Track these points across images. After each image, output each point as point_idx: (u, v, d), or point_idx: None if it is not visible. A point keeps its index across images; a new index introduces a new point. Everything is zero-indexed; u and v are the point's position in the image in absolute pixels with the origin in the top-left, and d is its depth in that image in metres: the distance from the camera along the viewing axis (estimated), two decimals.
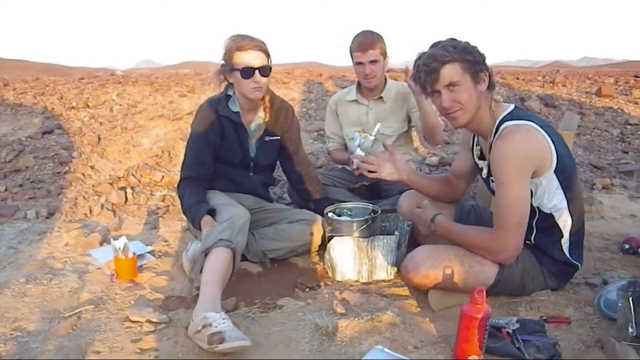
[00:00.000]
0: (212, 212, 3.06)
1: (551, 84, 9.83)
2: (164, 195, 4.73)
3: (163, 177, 5.11)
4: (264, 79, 3.16)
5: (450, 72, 2.49)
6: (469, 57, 2.48)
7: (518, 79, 10.41)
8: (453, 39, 2.56)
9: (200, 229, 3.02)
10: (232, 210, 3.02)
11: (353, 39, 3.81)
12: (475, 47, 2.53)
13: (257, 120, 3.41)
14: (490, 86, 2.58)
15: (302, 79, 9.07)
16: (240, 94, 3.26)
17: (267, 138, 3.44)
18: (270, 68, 3.21)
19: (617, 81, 10.79)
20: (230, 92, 3.33)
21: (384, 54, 3.82)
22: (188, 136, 3.39)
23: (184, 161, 3.37)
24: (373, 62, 3.78)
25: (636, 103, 8.73)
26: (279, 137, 3.49)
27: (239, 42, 3.12)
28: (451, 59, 2.48)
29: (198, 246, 2.98)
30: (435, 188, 3.12)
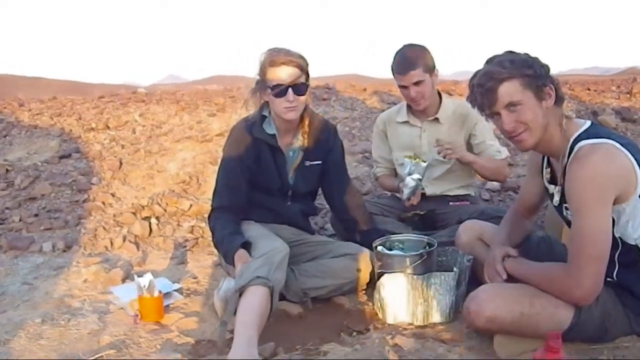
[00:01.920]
0: (247, 246, 3.07)
1: (628, 95, 9.57)
2: (193, 226, 4.77)
3: (191, 205, 5.16)
4: (299, 98, 3.19)
5: (508, 90, 2.45)
6: (528, 71, 2.44)
7: (589, 90, 10.18)
8: (510, 52, 2.54)
9: (233, 265, 3.04)
10: (269, 244, 3.03)
11: (393, 58, 3.81)
12: (536, 59, 2.50)
13: (295, 143, 3.44)
14: (559, 100, 2.53)
15: (344, 95, 9.09)
16: (276, 115, 3.30)
17: (307, 163, 3.47)
18: (307, 86, 3.24)
19: None
20: (265, 112, 3.37)
21: (430, 70, 3.77)
22: (219, 161, 3.42)
23: (215, 189, 3.41)
24: (417, 83, 3.74)
25: None
26: (320, 162, 3.51)
27: (272, 56, 3.17)
28: (509, 75, 2.44)
29: (231, 284, 2.98)
30: (521, 234, 3.04)
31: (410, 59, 3.72)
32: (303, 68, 3.19)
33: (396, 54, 3.79)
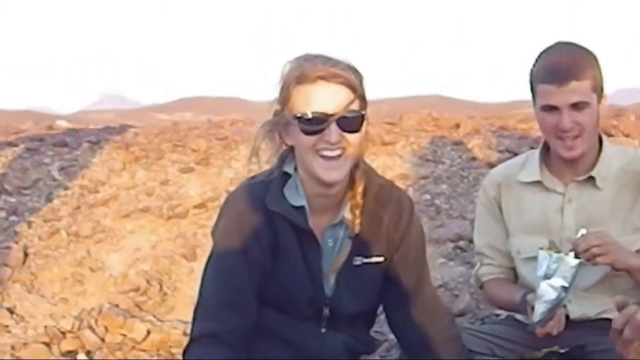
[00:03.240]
0: None
1: None
2: None
3: (149, 332, 5.17)
4: (349, 139, 3.06)
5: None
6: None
7: None
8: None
9: None
10: None
11: (538, 59, 3.82)
12: None
13: (338, 226, 3.35)
14: None
15: (420, 135, 9.12)
16: (306, 172, 3.18)
17: (358, 260, 3.37)
18: (363, 118, 3.12)
19: None
20: (289, 169, 3.26)
21: (599, 90, 3.73)
22: (209, 255, 3.36)
23: (198, 304, 3.33)
24: (578, 106, 3.66)
25: None
26: (383, 259, 3.41)
27: (304, 68, 3.05)
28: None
29: None
30: None
31: (573, 64, 3.66)
32: (356, 88, 3.06)
33: (544, 54, 3.79)
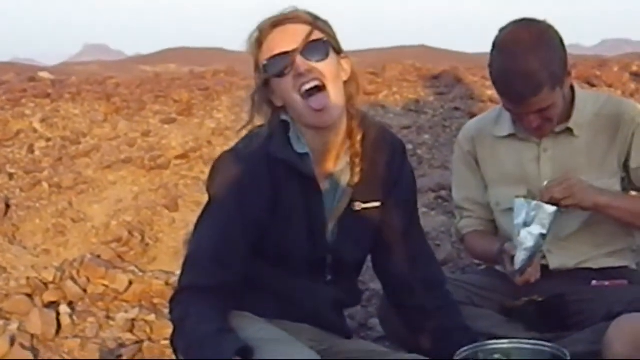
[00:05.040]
0: (245, 353, 2.98)
1: None
2: (133, 320, 4.78)
3: (131, 283, 5.19)
4: (320, 66, 3.07)
5: None
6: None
7: None
8: None
9: None
10: (290, 355, 2.97)
11: (492, 61, 3.80)
12: None
13: (338, 170, 3.32)
14: None
15: (402, 85, 9.11)
16: (302, 123, 3.18)
17: (357, 206, 3.35)
18: (327, 43, 3.14)
19: None
20: (286, 118, 3.22)
21: (561, 78, 3.72)
22: (203, 208, 3.32)
23: (189, 256, 3.29)
24: (542, 109, 3.71)
25: None
26: (379, 204, 3.40)
27: (260, 27, 3.12)
28: None
29: None
30: None
31: (529, 75, 3.61)
32: (311, 22, 3.12)
33: (494, 52, 3.79)
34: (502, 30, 3.80)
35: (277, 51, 3.05)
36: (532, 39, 3.70)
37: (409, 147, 7.21)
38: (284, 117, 3.21)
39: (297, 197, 3.21)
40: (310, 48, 3.05)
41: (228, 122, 6.99)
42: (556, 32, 3.76)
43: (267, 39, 3.09)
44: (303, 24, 3.09)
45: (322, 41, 3.11)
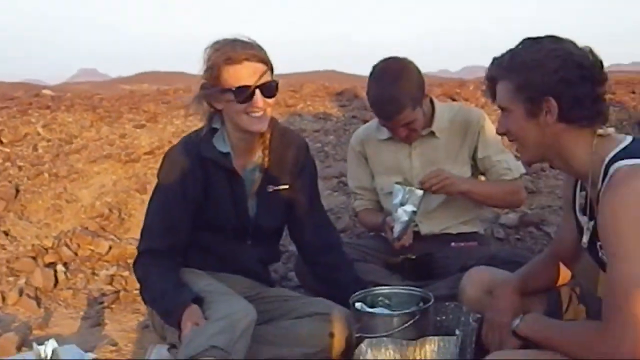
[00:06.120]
0: (198, 303, 2.99)
1: None
2: (113, 276, 4.74)
3: (111, 247, 5.15)
4: (269, 102, 3.16)
5: (500, 91, 2.57)
6: (522, 76, 2.49)
7: (634, 92, 10.32)
8: (532, 41, 2.57)
9: (177, 326, 2.95)
10: (230, 305, 2.97)
11: (369, 86, 3.85)
12: (545, 64, 2.49)
13: (254, 162, 3.38)
14: (575, 119, 2.54)
15: (315, 99, 9.10)
16: (234, 127, 3.22)
17: (270, 188, 3.39)
18: (277, 84, 3.20)
19: None
20: (216, 125, 3.29)
21: (420, 100, 3.80)
22: (152, 188, 3.37)
23: (145, 226, 3.33)
24: (407, 123, 3.81)
25: None
26: (287, 186, 3.44)
27: (229, 52, 3.08)
28: (501, 75, 2.56)
29: (164, 353, 2.95)
30: (543, 282, 3.09)
31: (394, 99, 3.70)
32: (268, 62, 3.16)
33: (370, 81, 3.84)
34: (374, 66, 3.87)
35: (244, 83, 3.06)
36: (396, 72, 3.79)
37: (318, 145, 7.22)
38: (214, 125, 3.30)
39: (223, 183, 3.31)
40: (267, 87, 3.12)
41: (184, 127, 7.04)
42: (415, 66, 3.85)
43: (235, 68, 3.06)
44: (263, 63, 3.13)
45: (275, 83, 3.19)
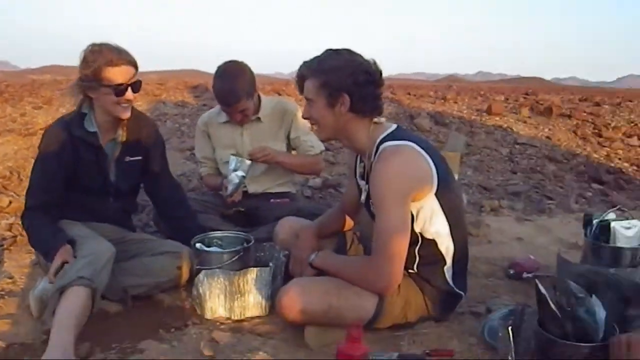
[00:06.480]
0: (71, 244, 2.93)
1: (443, 101, 10.26)
2: (11, 224, 4.49)
3: (10, 202, 4.90)
4: (135, 95, 3.14)
5: (308, 87, 2.65)
6: (326, 77, 2.59)
7: (409, 94, 10.77)
8: (335, 52, 2.66)
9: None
10: (95, 244, 2.93)
11: (214, 80, 3.85)
12: (343, 69, 2.60)
13: (115, 137, 3.29)
14: (362, 111, 2.65)
15: (176, 91, 8.96)
16: (104, 112, 3.14)
17: (127, 159, 3.33)
18: (141, 83, 3.18)
19: (507, 99, 11.36)
20: (85, 110, 3.19)
21: (252, 94, 3.88)
22: (34, 160, 3.23)
23: (29, 187, 3.22)
24: (242, 111, 3.87)
25: (525, 122, 9.29)
26: (140, 158, 3.39)
27: (109, 56, 3.02)
28: (310, 75, 2.64)
29: (47, 285, 2.84)
30: (334, 228, 3.18)
31: (232, 91, 3.78)
32: (136, 66, 3.13)
33: (216, 77, 3.84)
34: (219, 66, 3.87)
35: (119, 81, 3.02)
36: (235, 72, 3.82)
37: (177, 125, 7.14)
38: (83, 110, 3.20)
39: (90, 154, 3.20)
40: (135, 85, 3.11)
41: (72, 109, 6.79)
42: (249, 68, 3.88)
43: (114, 70, 3.00)
44: (134, 66, 3.09)
45: (140, 82, 3.16)
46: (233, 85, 3.76)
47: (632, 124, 9.54)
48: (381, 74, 2.69)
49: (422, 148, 2.60)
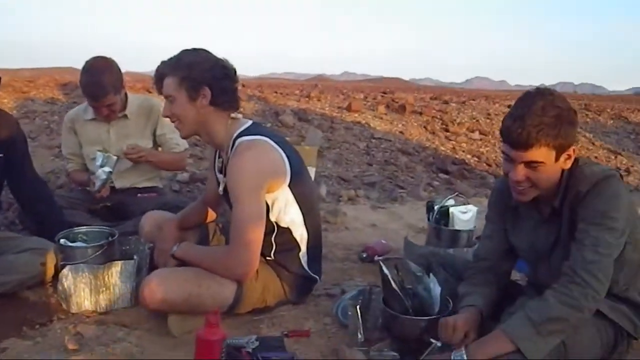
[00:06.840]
0: None
1: (307, 99, 10.62)
2: None
3: None
4: None
5: (167, 84, 2.69)
6: (185, 72, 2.65)
7: (276, 92, 11.02)
8: (192, 52, 2.72)
9: None
10: None
11: (80, 75, 3.78)
12: (202, 64, 2.67)
13: None
14: (222, 104, 2.73)
15: (46, 88, 8.62)
16: None
17: None
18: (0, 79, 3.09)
19: (366, 97, 12.17)
20: None
21: (118, 89, 3.82)
22: None
23: None
24: (109, 105, 3.82)
25: (381, 118, 9.99)
26: (2, 155, 3.27)
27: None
28: (168, 72, 2.68)
29: None
30: (196, 220, 3.23)
31: (100, 85, 3.71)
32: None
33: (82, 72, 3.76)
34: (87, 61, 3.79)
35: None
36: (102, 66, 3.75)
37: (46, 123, 6.83)
38: None
39: None
40: None
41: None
42: (116, 64, 3.82)
43: None
44: None
45: None
46: (100, 79, 3.70)
47: (474, 120, 10.76)
48: (235, 71, 2.78)
49: (276, 142, 2.72)
